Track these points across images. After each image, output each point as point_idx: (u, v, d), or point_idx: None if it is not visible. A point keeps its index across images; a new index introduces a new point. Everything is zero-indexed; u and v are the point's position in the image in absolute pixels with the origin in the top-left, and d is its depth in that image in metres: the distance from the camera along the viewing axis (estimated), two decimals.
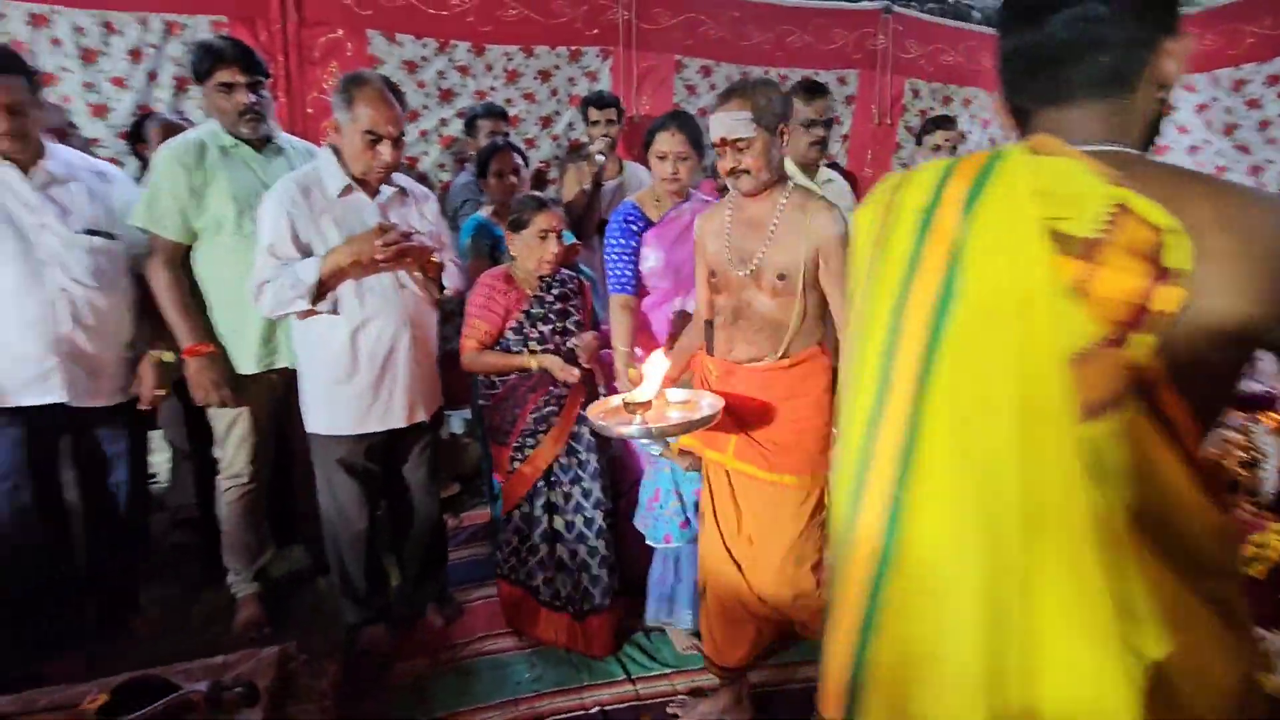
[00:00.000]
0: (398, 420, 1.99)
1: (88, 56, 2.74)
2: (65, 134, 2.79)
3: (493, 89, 3.32)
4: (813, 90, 2.30)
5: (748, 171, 1.52)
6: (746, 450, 1.61)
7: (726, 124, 1.50)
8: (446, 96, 3.26)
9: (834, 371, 1.61)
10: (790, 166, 2.34)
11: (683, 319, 2.13)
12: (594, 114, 2.92)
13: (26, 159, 1.86)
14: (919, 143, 2.78)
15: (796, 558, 1.61)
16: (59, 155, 1.95)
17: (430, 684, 1.93)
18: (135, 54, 2.78)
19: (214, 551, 2.24)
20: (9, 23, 2.63)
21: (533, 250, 2.03)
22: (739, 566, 1.66)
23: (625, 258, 2.10)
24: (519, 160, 2.51)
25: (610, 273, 2.11)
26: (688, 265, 2.15)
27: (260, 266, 1.84)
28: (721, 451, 1.64)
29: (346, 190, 1.89)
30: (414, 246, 1.89)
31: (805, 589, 1.62)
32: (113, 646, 2.06)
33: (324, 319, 1.89)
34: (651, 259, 2.11)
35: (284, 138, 2.19)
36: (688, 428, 1.51)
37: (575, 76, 3.47)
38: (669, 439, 1.63)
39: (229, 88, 1.97)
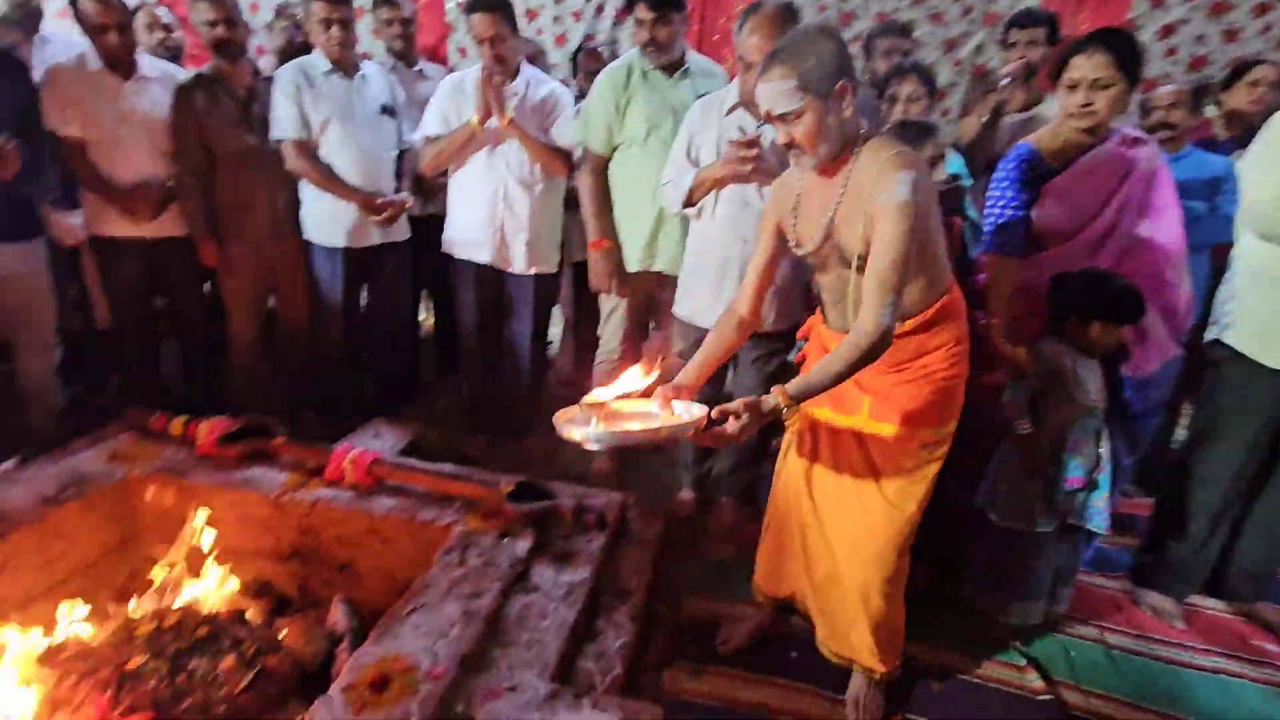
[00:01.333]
0: None
1: None
2: (535, 59, 3.52)
3: (896, 10, 3.12)
4: None
5: (802, 148, 1.35)
6: (881, 409, 1.53)
7: (769, 97, 1.34)
8: (846, 20, 3.18)
9: (966, 316, 1.52)
10: None
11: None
12: (1014, 34, 2.55)
13: (504, 80, 2.43)
14: None
15: (894, 547, 1.58)
16: (524, 74, 2.50)
17: (732, 570, 2.15)
18: None
19: None
20: None
21: None
22: (819, 520, 1.66)
23: (1014, 210, 1.84)
24: (924, 87, 2.29)
25: (991, 226, 1.88)
26: (1097, 223, 1.82)
27: (667, 169, 2.18)
28: (854, 414, 1.57)
29: (734, 108, 2.06)
30: (767, 164, 1.94)
31: (887, 573, 1.59)
32: (512, 454, 2.75)
33: (696, 222, 2.17)
34: (1053, 214, 1.82)
35: (695, 60, 2.40)
36: (643, 439, 1.31)
37: None
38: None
39: (640, 22, 2.25)
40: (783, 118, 1.35)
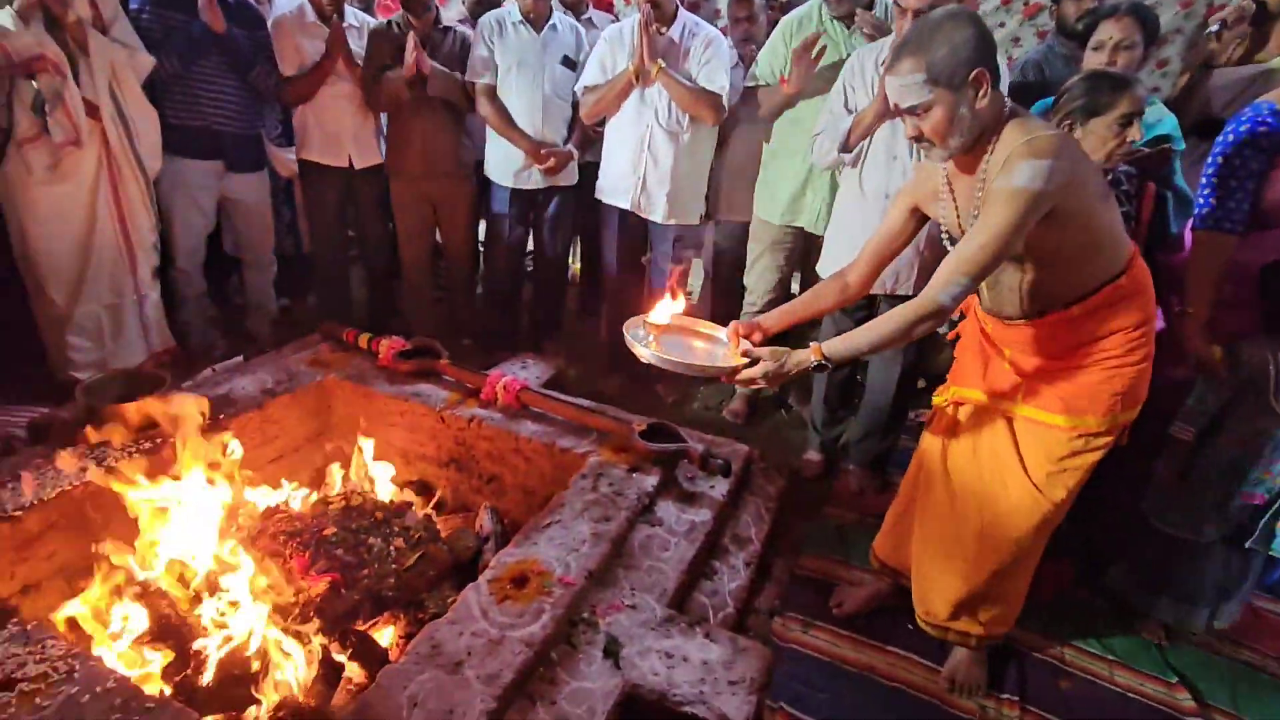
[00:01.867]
0: (880, 287, 2.10)
1: None
2: (698, 5, 3.48)
3: None
4: None
5: (931, 142, 1.28)
6: (1038, 394, 1.45)
7: (896, 90, 1.27)
8: None
9: (1152, 298, 1.40)
10: None
11: None
12: None
13: (660, 26, 2.44)
14: None
15: (1033, 532, 1.51)
16: (681, 20, 2.49)
17: (853, 536, 2.14)
18: None
19: None
20: None
21: (1104, 142, 1.69)
22: (951, 496, 1.60)
23: (1241, 180, 1.59)
24: (1139, 32, 1.93)
25: (1208, 198, 1.64)
26: None
27: (821, 119, 2.12)
28: (1011, 399, 1.49)
29: None
30: None
31: (1013, 555, 1.52)
32: (644, 396, 2.87)
33: (847, 173, 2.10)
34: None
35: (883, 7, 2.28)
36: (687, 370, 1.39)
37: None
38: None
39: None
40: (911, 110, 1.27)
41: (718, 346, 1.54)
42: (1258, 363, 1.61)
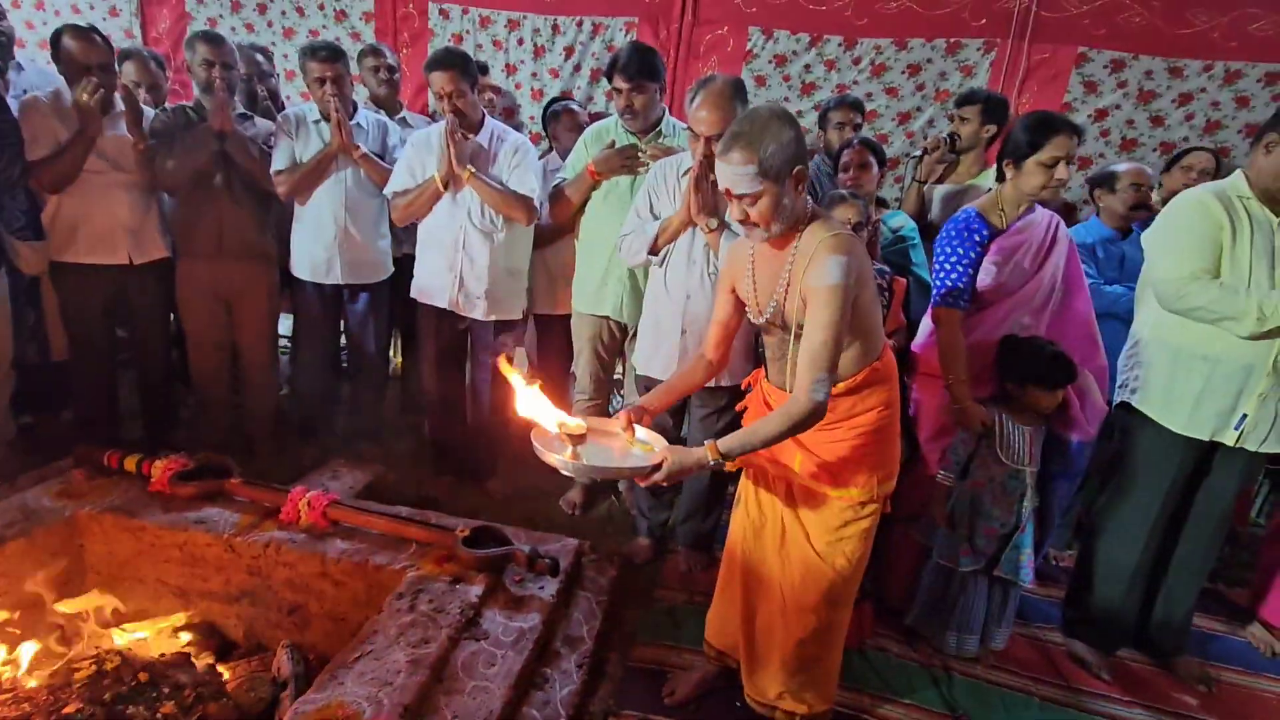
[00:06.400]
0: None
1: (538, 52, 3.51)
2: (513, 112, 3.64)
3: (855, 82, 3.33)
4: None
5: (757, 225, 1.46)
6: (811, 467, 1.60)
7: (728, 177, 1.43)
8: (808, 90, 3.38)
9: (898, 387, 1.61)
10: (1240, 185, 1.87)
11: (1010, 345, 1.98)
12: (965, 110, 2.76)
13: (466, 134, 2.48)
14: None
15: (825, 600, 1.63)
16: (489, 127, 2.56)
17: (684, 617, 2.18)
18: (569, 50, 3.48)
19: None
20: (494, 26, 3.51)
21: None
22: (765, 568, 1.71)
23: (962, 269, 2.00)
24: (873, 157, 2.49)
25: (941, 284, 2.03)
26: (1029, 283, 2.00)
27: (628, 221, 2.28)
28: (788, 464, 1.64)
29: (688, 172, 2.14)
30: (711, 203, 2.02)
31: (812, 624, 1.64)
32: (474, 496, 2.76)
33: (655, 272, 2.26)
34: (993, 272, 1.98)
35: (669, 125, 2.53)
36: (609, 475, 1.60)
37: (948, 71, 3.27)
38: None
39: (617, 91, 2.40)
40: (739, 197, 1.43)
41: (612, 440, 1.60)
42: (989, 421, 1.99)
